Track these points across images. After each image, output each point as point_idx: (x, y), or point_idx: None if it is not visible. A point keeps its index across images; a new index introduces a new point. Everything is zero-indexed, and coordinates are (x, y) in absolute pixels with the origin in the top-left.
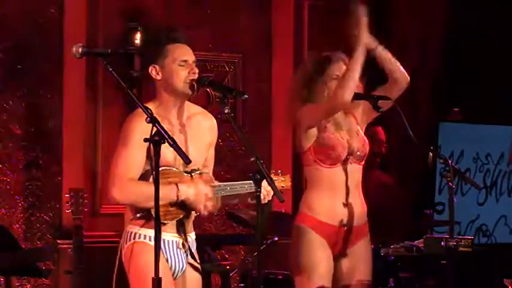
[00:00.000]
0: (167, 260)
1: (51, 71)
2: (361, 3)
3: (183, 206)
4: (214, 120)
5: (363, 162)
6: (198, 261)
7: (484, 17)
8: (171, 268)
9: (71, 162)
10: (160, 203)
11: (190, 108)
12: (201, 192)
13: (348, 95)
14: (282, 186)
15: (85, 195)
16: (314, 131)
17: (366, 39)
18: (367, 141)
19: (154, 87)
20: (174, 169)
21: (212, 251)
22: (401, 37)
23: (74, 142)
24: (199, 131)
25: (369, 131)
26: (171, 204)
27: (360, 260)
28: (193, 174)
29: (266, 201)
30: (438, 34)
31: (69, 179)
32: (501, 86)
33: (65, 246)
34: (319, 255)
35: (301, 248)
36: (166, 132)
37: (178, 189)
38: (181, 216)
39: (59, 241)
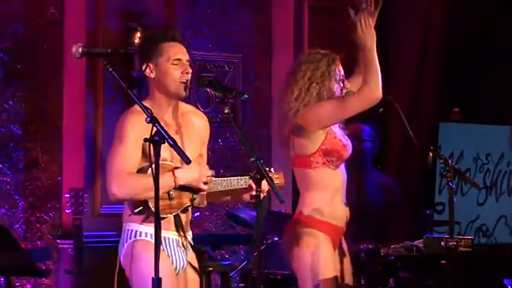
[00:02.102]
0: (169, 258)
1: (51, 71)
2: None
3: (185, 190)
4: (206, 119)
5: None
6: (196, 260)
7: (484, 17)
8: (172, 265)
9: (71, 162)
10: (160, 192)
11: (182, 106)
12: (197, 171)
13: (381, 90)
14: (277, 184)
15: (85, 195)
16: (321, 133)
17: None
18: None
19: (148, 85)
20: (170, 163)
21: (212, 251)
22: (401, 38)
23: (74, 142)
24: (193, 129)
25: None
26: (170, 197)
27: (347, 257)
28: None
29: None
30: (438, 34)
31: (69, 179)
32: (501, 86)
33: (65, 246)
34: (331, 260)
35: (312, 253)
36: (166, 132)
37: (174, 175)
38: (180, 210)
39: (59, 241)
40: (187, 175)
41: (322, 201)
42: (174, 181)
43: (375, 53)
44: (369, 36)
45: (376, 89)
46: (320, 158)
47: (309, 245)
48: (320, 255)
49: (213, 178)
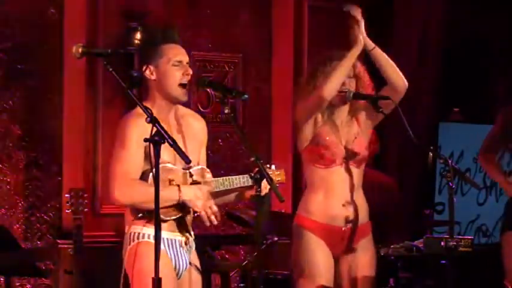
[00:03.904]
0: (171, 261)
1: (51, 71)
2: (354, 4)
3: (184, 208)
4: (204, 122)
5: (362, 165)
6: (198, 260)
7: (484, 18)
8: (175, 268)
9: (71, 162)
10: (164, 204)
11: (181, 109)
12: (202, 196)
13: (328, 92)
14: (278, 180)
15: (85, 195)
16: (309, 131)
17: (363, 40)
18: (366, 144)
19: (148, 87)
20: (173, 166)
21: (212, 251)
22: (401, 38)
23: (74, 142)
24: (192, 131)
25: None
26: (173, 205)
27: (362, 258)
28: (191, 170)
29: (263, 194)
30: (438, 34)
31: (69, 179)
32: (501, 86)
33: (65, 246)
34: (317, 256)
35: (299, 249)
36: (166, 132)
37: (180, 190)
38: (182, 213)
39: (59, 241)
40: (192, 196)
41: (313, 199)
42: (179, 196)
43: (349, 59)
44: (355, 41)
45: (321, 90)
46: (307, 156)
47: (297, 242)
48: (306, 252)
49: (216, 178)
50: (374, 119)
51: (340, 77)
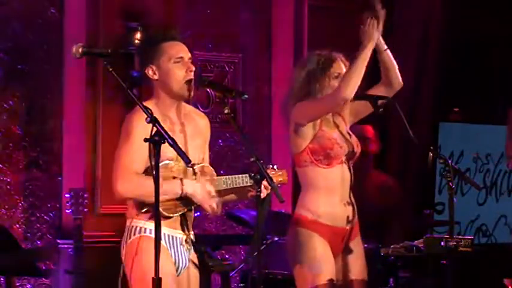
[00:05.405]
0: (172, 256)
1: (51, 71)
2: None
3: (188, 201)
4: (207, 119)
5: (352, 163)
6: (197, 259)
7: (484, 17)
8: (175, 264)
9: (71, 162)
10: (166, 197)
11: (185, 106)
12: (205, 189)
13: (350, 91)
14: (280, 181)
15: (85, 195)
16: (310, 131)
17: (377, 39)
18: (358, 142)
19: (152, 87)
20: (176, 163)
21: (212, 251)
22: (402, 37)
23: (74, 142)
24: (197, 129)
25: (356, 129)
26: (176, 199)
27: (356, 257)
28: (195, 167)
29: (265, 195)
30: (438, 34)
31: (69, 179)
32: (501, 86)
33: (65, 246)
34: (325, 259)
35: (305, 253)
36: (166, 132)
37: (182, 183)
38: (186, 209)
39: (59, 241)
40: (195, 188)
41: (314, 200)
42: (181, 189)
43: (365, 55)
44: (369, 36)
45: (343, 90)
46: (308, 157)
47: (299, 244)
48: (313, 256)
49: (220, 176)
50: (354, 117)
51: (359, 75)
